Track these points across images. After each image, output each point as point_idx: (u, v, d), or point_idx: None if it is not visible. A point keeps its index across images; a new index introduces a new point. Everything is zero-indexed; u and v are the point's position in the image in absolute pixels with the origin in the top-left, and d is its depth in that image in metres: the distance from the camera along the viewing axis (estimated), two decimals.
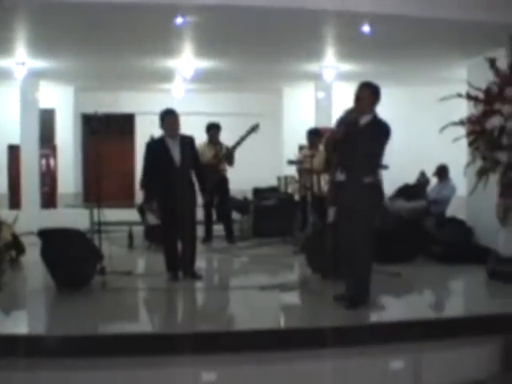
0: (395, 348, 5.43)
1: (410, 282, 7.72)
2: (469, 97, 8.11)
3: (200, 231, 11.02)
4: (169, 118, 7.66)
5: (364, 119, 6.32)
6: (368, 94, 6.34)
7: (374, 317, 6.32)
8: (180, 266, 7.78)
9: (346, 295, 6.37)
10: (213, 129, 11.18)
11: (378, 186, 6.45)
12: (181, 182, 7.49)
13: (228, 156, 10.92)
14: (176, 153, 7.58)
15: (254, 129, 10.85)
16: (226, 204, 11.30)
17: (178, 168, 7.56)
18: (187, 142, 7.75)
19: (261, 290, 7.11)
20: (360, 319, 5.99)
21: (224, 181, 11.15)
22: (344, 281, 6.50)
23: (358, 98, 6.35)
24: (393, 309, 6.53)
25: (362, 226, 6.19)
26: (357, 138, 6.18)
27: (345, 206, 6.37)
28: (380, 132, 6.31)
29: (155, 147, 7.78)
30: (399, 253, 8.65)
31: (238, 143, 10.89)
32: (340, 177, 6.38)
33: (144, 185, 8.34)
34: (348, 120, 6.32)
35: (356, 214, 6.16)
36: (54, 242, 7.17)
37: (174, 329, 5.85)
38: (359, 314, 6.07)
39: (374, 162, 6.34)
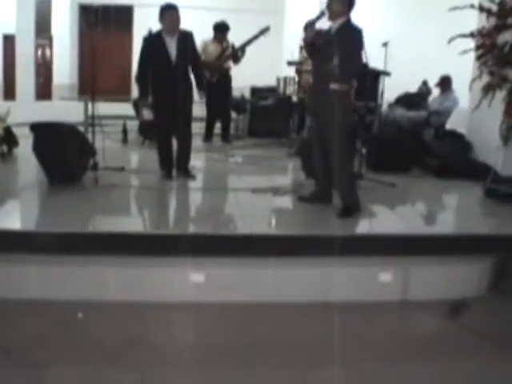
0: (384, 261, 5.43)
1: (404, 194, 7.61)
2: (481, 9, 7.82)
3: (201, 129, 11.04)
4: (169, 13, 7.35)
5: (336, 24, 6.13)
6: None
7: (365, 228, 6.31)
8: (174, 163, 7.76)
9: (313, 195, 6.61)
10: (221, 28, 10.91)
11: (348, 94, 6.24)
12: (176, 78, 7.30)
13: (234, 55, 10.71)
14: (173, 49, 7.37)
15: (263, 31, 10.62)
16: (226, 103, 11.19)
17: (173, 64, 7.38)
18: (186, 37, 7.52)
19: (253, 192, 7.08)
20: (350, 229, 5.96)
21: (227, 79, 10.98)
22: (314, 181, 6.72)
23: (330, 3, 6.12)
24: (385, 220, 6.44)
25: (337, 136, 6.14)
26: (328, 45, 5.97)
27: (317, 113, 6.38)
28: (351, 37, 6.05)
29: (152, 42, 7.52)
30: (395, 162, 8.54)
31: (246, 44, 10.66)
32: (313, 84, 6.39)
33: (138, 79, 8.16)
34: (316, 22, 6.19)
35: (328, 123, 6.16)
36: (47, 136, 7.05)
37: (164, 229, 5.81)
38: (350, 224, 6.04)
39: (348, 68, 5.96)
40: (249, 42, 10.61)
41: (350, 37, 6.03)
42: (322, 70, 6.06)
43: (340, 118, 6.06)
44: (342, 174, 6.21)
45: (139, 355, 4.30)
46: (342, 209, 6.20)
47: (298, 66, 10.73)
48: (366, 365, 4.37)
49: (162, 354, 4.31)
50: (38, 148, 7.05)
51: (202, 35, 10.51)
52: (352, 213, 6.16)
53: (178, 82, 7.30)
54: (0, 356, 4.20)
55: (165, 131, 7.68)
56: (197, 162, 8.58)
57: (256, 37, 10.55)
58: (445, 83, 11.35)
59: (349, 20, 6.12)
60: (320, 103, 6.24)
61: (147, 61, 7.51)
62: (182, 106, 7.39)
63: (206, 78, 10.47)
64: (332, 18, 6.14)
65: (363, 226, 6.27)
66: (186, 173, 7.77)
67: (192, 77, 7.66)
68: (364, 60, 6.22)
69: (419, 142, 9.38)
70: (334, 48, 5.85)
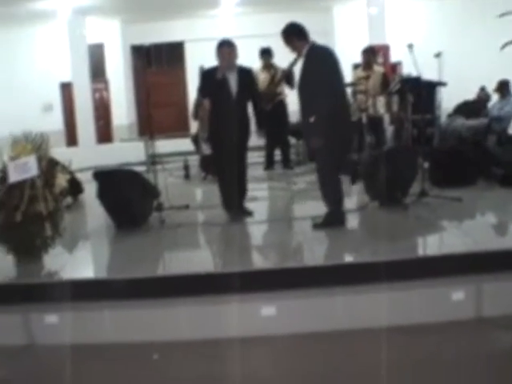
0: (456, 280, 5.33)
1: (470, 208, 7.46)
2: None
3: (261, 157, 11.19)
4: (223, 49, 7.26)
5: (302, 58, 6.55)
6: (288, 39, 6.60)
7: (434, 249, 6.28)
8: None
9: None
10: (265, 53, 11.02)
11: (322, 122, 6.36)
12: (235, 114, 7.18)
13: (287, 77, 10.70)
14: (234, 85, 7.23)
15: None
16: (282, 130, 11.23)
17: (233, 100, 7.24)
18: (246, 74, 7.43)
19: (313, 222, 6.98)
20: (419, 251, 5.92)
21: (282, 106, 11.04)
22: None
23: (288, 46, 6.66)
24: (453, 238, 6.32)
25: (321, 161, 6.65)
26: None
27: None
28: (312, 61, 6.47)
29: (211, 77, 7.32)
30: (460, 175, 8.34)
31: (293, 64, 10.68)
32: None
33: (196, 116, 8.18)
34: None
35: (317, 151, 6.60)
36: (109, 183, 7.23)
37: (232, 267, 5.85)
38: (419, 245, 6.00)
39: (318, 94, 6.31)
40: (296, 60, 10.62)
41: (312, 61, 6.53)
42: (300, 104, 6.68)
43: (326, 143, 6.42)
44: (326, 191, 6.73)
45: None
46: (323, 219, 6.69)
47: (353, 86, 10.69)
48: None
49: None
50: (103, 195, 7.22)
51: (249, 63, 10.59)
52: (331, 224, 6.62)
53: (237, 119, 7.18)
54: None
55: (227, 168, 7.37)
56: (259, 192, 8.62)
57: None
58: (504, 88, 11.16)
59: (312, 45, 6.61)
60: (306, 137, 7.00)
61: (207, 96, 7.52)
62: (240, 143, 7.31)
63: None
64: (298, 55, 6.73)
65: (432, 246, 6.21)
66: (242, 210, 7.59)
67: (249, 113, 7.56)
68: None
69: (482, 150, 9.13)
70: (300, 80, 6.62)
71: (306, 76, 6.52)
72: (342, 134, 6.56)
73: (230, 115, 7.14)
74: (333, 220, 6.65)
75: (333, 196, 6.71)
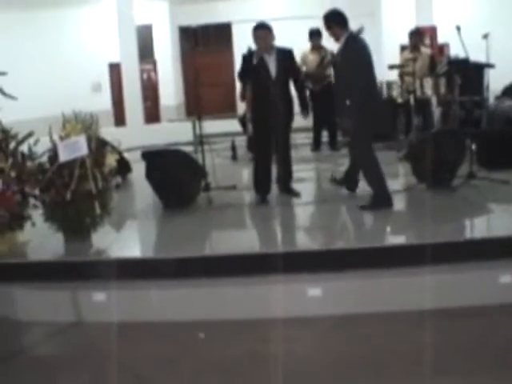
0: (503, 263, 5.29)
1: None
2: None
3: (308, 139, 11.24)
4: (259, 32, 7.26)
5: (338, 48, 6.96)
6: (329, 26, 6.89)
7: (482, 231, 6.25)
8: (275, 182, 7.66)
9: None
10: (314, 35, 10.95)
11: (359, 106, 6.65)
12: (276, 96, 7.13)
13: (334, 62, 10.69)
14: (273, 67, 7.23)
15: (358, 32, 10.52)
16: (330, 111, 11.17)
17: (273, 82, 7.21)
18: (286, 55, 7.40)
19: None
20: (466, 234, 5.88)
21: (330, 87, 10.98)
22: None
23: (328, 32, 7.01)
24: (501, 221, 6.28)
25: (357, 144, 6.91)
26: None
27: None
28: (349, 51, 6.78)
29: (250, 60, 7.33)
30: (507, 158, 8.17)
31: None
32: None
33: (243, 97, 8.19)
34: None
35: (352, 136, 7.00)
36: (157, 163, 7.30)
37: (278, 247, 5.89)
38: (465, 228, 5.96)
39: (353, 82, 6.61)
40: None
41: (348, 54, 6.85)
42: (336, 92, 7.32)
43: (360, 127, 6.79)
44: (368, 176, 6.96)
45: (261, 371, 4.36)
46: (370, 202, 6.83)
47: (400, 68, 10.60)
48: (491, 373, 4.23)
49: (283, 369, 4.34)
50: (151, 175, 7.30)
51: (297, 45, 10.56)
52: (378, 206, 6.73)
53: (279, 101, 7.15)
54: (131, 380, 4.37)
55: (264, 151, 7.49)
56: (306, 173, 8.61)
57: None
58: None
59: (347, 36, 6.85)
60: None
61: (247, 79, 7.58)
62: (283, 124, 7.29)
63: (309, 88, 10.55)
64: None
65: (480, 229, 6.19)
66: (289, 191, 7.64)
67: (293, 94, 7.55)
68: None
69: None
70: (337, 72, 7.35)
71: (343, 63, 6.88)
72: (374, 120, 6.84)
73: (271, 97, 7.12)
74: (379, 202, 6.73)
75: (376, 180, 6.81)
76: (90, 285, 5.42)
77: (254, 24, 7.39)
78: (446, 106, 10.11)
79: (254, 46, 7.44)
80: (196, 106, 8.21)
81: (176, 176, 7.15)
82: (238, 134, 11.52)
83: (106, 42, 17.39)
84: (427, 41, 13.36)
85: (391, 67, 10.73)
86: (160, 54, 18.73)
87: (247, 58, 7.39)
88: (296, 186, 7.79)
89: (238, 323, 5.09)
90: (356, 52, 6.80)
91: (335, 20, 6.85)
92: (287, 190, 7.65)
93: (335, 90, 6.98)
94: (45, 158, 6.03)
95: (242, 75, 7.66)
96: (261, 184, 7.52)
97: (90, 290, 5.35)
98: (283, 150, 7.50)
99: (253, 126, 7.73)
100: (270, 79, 7.22)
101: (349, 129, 6.87)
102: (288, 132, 7.54)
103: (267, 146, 7.41)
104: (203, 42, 19.27)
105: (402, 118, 11.18)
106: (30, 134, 6.15)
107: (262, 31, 7.27)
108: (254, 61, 7.20)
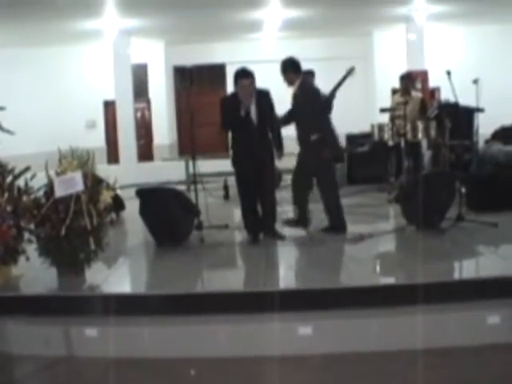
0: (492, 303, 5.35)
1: (506, 234, 7.39)
2: None
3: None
4: (244, 81, 7.08)
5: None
6: (285, 72, 7.54)
7: (471, 272, 6.34)
8: (261, 226, 7.48)
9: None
10: (307, 75, 11.05)
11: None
12: (257, 139, 7.05)
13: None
14: (253, 113, 7.11)
15: (349, 72, 10.60)
16: None
17: (254, 127, 7.11)
18: (264, 97, 7.25)
19: (353, 242, 7.08)
20: (456, 274, 5.95)
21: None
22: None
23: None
24: (489, 262, 6.38)
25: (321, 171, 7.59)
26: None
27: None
28: (303, 94, 7.50)
29: (229, 104, 7.27)
30: (497, 200, 8.30)
31: (335, 89, 10.74)
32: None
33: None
34: None
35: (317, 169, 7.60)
36: (151, 201, 7.38)
37: (269, 286, 5.92)
38: (455, 269, 6.04)
39: (314, 117, 7.41)
40: (338, 84, 10.66)
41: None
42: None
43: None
44: (329, 201, 7.68)
45: None
46: (328, 226, 7.59)
47: (391, 111, 10.73)
48: None
49: None
50: (144, 212, 7.38)
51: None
52: (336, 230, 7.48)
53: (260, 145, 7.08)
54: None
55: (247, 194, 7.41)
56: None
57: (344, 78, 10.58)
58: None
59: (301, 83, 7.53)
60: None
61: (229, 122, 7.35)
62: (264, 168, 7.17)
63: None
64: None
65: (468, 270, 6.27)
66: (273, 234, 7.51)
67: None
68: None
69: None
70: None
71: (301, 102, 7.52)
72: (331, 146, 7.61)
73: (253, 142, 7.04)
74: (338, 225, 7.52)
75: (336, 206, 7.59)
76: (82, 320, 5.44)
77: (248, 65, 7.26)
78: (437, 149, 10.23)
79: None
80: (190, 145, 8.27)
81: (169, 214, 7.23)
82: (230, 173, 11.57)
83: (102, 80, 17.54)
84: (418, 85, 13.57)
85: (382, 110, 10.86)
86: (154, 93, 18.88)
87: (229, 106, 7.28)
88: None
89: (228, 361, 5.10)
90: (309, 90, 7.67)
91: (292, 66, 7.53)
92: (272, 233, 7.50)
93: (299, 127, 7.54)
94: (41, 193, 6.08)
95: (225, 125, 7.53)
96: (250, 225, 7.50)
97: (82, 325, 5.36)
98: (267, 193, 7.36)
99: (235, 170, 7.56)
100: (252, 125, 7.13)
101: (319, 157, 7.37)
102: (271, 174, 7.43)
103: (250, 189, 7.34)
104: (197, 82, 19.43)
105: (393, 161, 11.29)
106: (26, 169, 6.23)
107: (247, 80, 7.10)
108: (242, 113, 7.08)
